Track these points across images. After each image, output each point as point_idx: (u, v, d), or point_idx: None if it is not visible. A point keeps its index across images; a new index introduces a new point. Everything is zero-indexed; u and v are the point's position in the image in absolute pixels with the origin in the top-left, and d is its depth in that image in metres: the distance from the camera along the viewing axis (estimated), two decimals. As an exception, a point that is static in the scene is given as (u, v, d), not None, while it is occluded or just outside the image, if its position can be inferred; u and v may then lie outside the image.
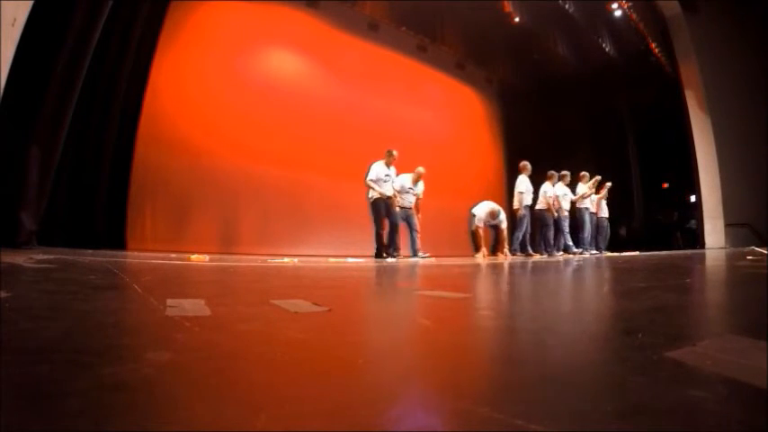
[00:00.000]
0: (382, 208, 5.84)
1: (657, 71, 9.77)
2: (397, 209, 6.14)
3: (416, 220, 6.37)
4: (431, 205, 6.64)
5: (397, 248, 5.95)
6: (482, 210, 6.97)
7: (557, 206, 7.52)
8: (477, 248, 6.98)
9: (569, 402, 0.56)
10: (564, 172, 7.73)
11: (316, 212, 7.17)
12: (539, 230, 7.62)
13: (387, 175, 5.91)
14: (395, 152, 6.01)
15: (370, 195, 5.89)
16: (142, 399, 0.55)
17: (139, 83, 5.77)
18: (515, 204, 7.27)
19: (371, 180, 5.84)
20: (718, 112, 9.01)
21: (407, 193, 6.34)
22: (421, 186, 6.53)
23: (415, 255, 6.16)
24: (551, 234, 7.50)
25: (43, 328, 0.91)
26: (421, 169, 6.45)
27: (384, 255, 5.78)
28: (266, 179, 6.91)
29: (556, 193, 7.58)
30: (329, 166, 7.26)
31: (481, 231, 6.96)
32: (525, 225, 7.18)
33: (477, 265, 4.40)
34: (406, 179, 6.36)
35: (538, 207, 7.48)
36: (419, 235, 6.30)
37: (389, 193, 5.91)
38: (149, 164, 5.82)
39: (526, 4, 8.45)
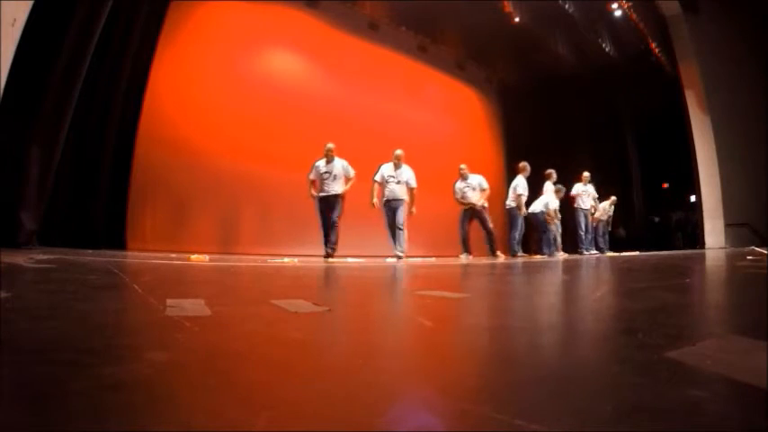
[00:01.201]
0: (319, 206, 5.55)
1: (657, 71, 9.75)
2: (375, 201, 5.74)
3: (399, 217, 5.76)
4: (429, 205, 6.56)
5: (332, 247, 5.43)
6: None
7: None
8: (464, 247, 6.60)
9: (570, 402, 0.56)
10: (549, 170, 7.75)
11: (315, 212, 7.15)
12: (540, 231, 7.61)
13: (326, 172, 5.52)
14: (328, 144, 5.58)
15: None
16: (142, 399, 0.55)
17: (139, 83, 5.77)
18: (510, 203, 7.13)
19: (310, 179, 5.62)
20: (718, 112, 8.99)
21: (389, 182, 5.78)
22: (408, 173, 5.82)
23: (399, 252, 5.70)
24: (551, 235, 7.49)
25: (43, 328, 0.91)
26: (398, 152, 5.84)
27: (327, 253, 5.38)
28: (266, 179, 6.90)
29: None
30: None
31: (467, 226, 6.64)
32: (521, 225, 7.11)
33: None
34: (387, 168, 5.85)
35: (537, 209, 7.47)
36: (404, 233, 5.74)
37: (334, 191, 5.48)
38: (149, 164, 5.82)
39: (526, 4, 8.44)
